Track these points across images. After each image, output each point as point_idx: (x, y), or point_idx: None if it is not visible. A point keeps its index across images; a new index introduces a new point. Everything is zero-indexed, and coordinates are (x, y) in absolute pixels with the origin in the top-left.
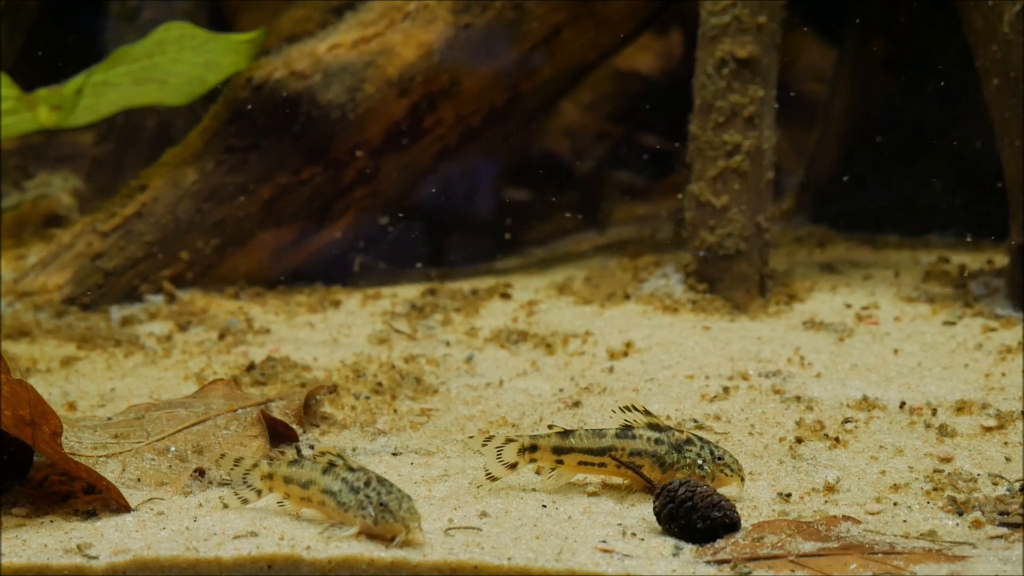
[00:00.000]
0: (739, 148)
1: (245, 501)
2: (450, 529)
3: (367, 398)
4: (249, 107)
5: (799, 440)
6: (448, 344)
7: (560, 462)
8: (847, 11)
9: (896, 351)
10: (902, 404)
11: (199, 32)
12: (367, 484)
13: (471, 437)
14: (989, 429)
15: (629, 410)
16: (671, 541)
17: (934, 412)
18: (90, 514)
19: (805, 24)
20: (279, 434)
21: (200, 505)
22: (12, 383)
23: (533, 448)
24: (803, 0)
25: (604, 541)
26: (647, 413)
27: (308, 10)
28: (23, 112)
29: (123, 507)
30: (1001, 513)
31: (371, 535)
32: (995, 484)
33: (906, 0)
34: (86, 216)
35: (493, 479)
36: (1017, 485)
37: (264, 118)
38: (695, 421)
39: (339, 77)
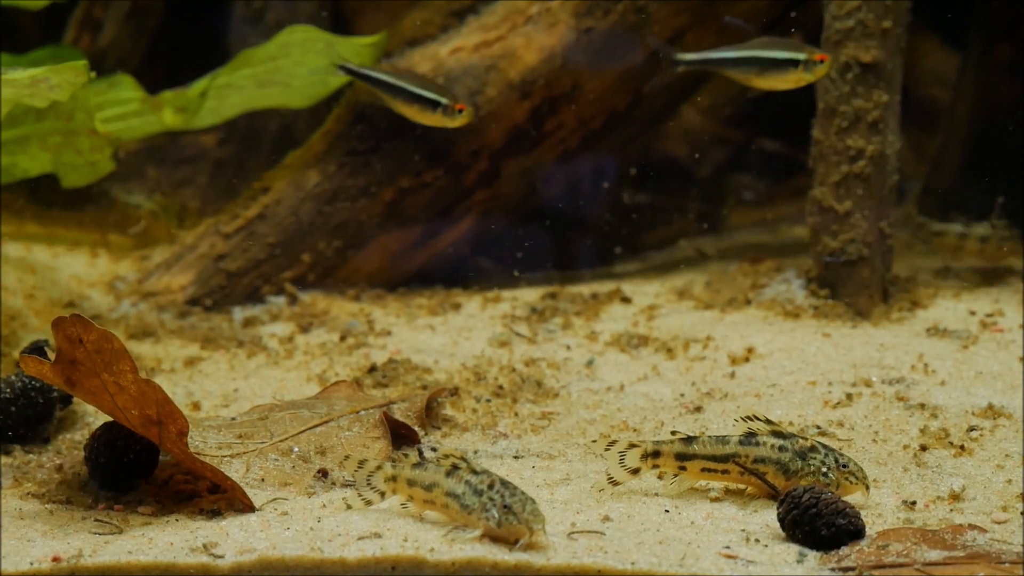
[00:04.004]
0: (862, 153)
1: (369, 503)
2: (573, 533)
3: (488, 401)
4: (371, 110)
5: (923, 448)
6: (568, 348)
7: (683, 468)
8: (972, 15)
9: (1021, 359)
10: None
11: (322, 35)
12: (491, 487)
13: (594, 442)
14: None
15: (751, 419)
16: (795, 548)
17: None
18: (215, 513)
19: (929, 28)
20: (401, 436)
21: (323, 506)
22: (140, 383)
23: (656, 454)
24: (927, 4)
25: (728, 547)
26: (769, 422)
27: (429, 13)
28: (148, 114)
29: (247, 507)
30: None
31: (495, 538)
32: None
33: None
34: (209, 217)
35: (615, 484)
36: None
37: (386, 121)
38: (818, 428)
39: (461, 80)
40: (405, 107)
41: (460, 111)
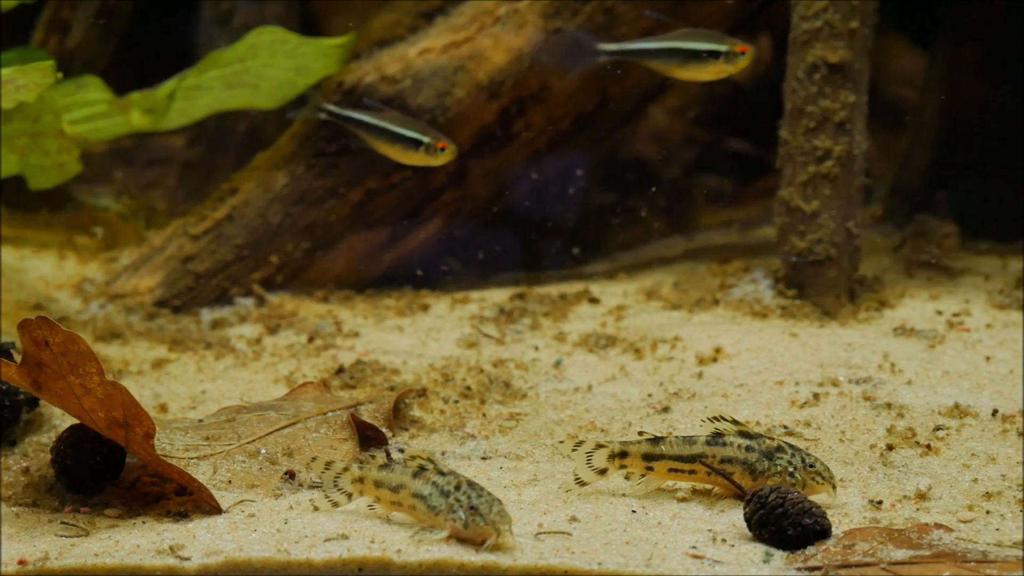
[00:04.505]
0: (830, 153)
1: (336, 504)
2: (540, 533)
3: (456, 402)
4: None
5: (890, 447)
6: (537, 348)
7: (650, 469)
8: (939, 16)
9: (988, 358)
10: (994, 412)
11: (291, 36)
12: (457, 488)
13: (561, 442)
14: None
15: (718, 420)
16: (761, 547)
17: None
18: (182, 515)
19: (896, 29)
20: (368, 437)
21: (290, 507)
22: (106, 385)
23: (623, 455)
24: (895, 4)
25: (694, 547)
26: (736, 423)
27: (398, 14)
28: (116, 115)
29: (214, 509)
30: None
31: (461, 539)
32: None
33: (999, 5)
34: (177, 219)
35: (582, 484)
36: None
37: None
38: (785, 427)
39: (429, 81)
40: (388, 147)
41: (442, 149)
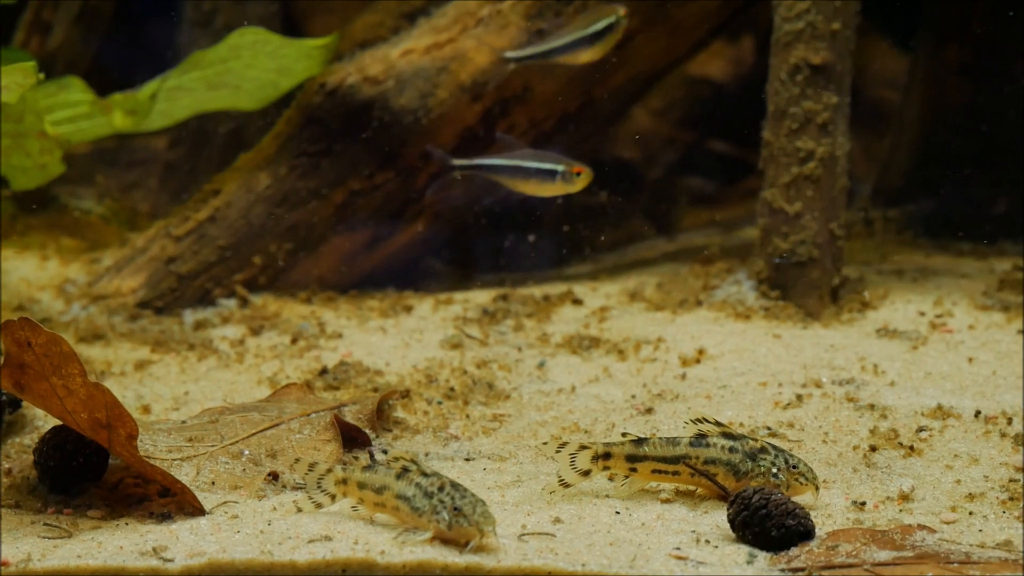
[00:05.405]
0: (812, 155)
1: (319, 505)
2: (524, 535)
3: (439, 403)
4: (322, 112)
5: (873, 448)
6: (520, 350)
7: (634, 470)
8: (921, 17)
9: (971, 360)
10: (977, 413)
11: (273, 37)
12: (441, 489)
13: (545, 444)
14: None
15: (701, 421)
16: (745, 549)
17: (1009, 421)
18: (165, 517)
19: (879, 30)
20: (352, 438)
21: (274, 509)
22: (89, 386)
23: (607, 456)
24: (877, 6)
25: (678, 548)
26: (719, 424)
27: (381, 15)
28: (98, 116)
29: (198, 510)
30: None
31: (445, 540)
32: None
33: (981, 6)
34: (160, 220)
35: (566, 485)
36: None
37: (337, 123)
38: (768, 429)
39: (412, 82)
40: (524, 184)
41: (578, 174)
